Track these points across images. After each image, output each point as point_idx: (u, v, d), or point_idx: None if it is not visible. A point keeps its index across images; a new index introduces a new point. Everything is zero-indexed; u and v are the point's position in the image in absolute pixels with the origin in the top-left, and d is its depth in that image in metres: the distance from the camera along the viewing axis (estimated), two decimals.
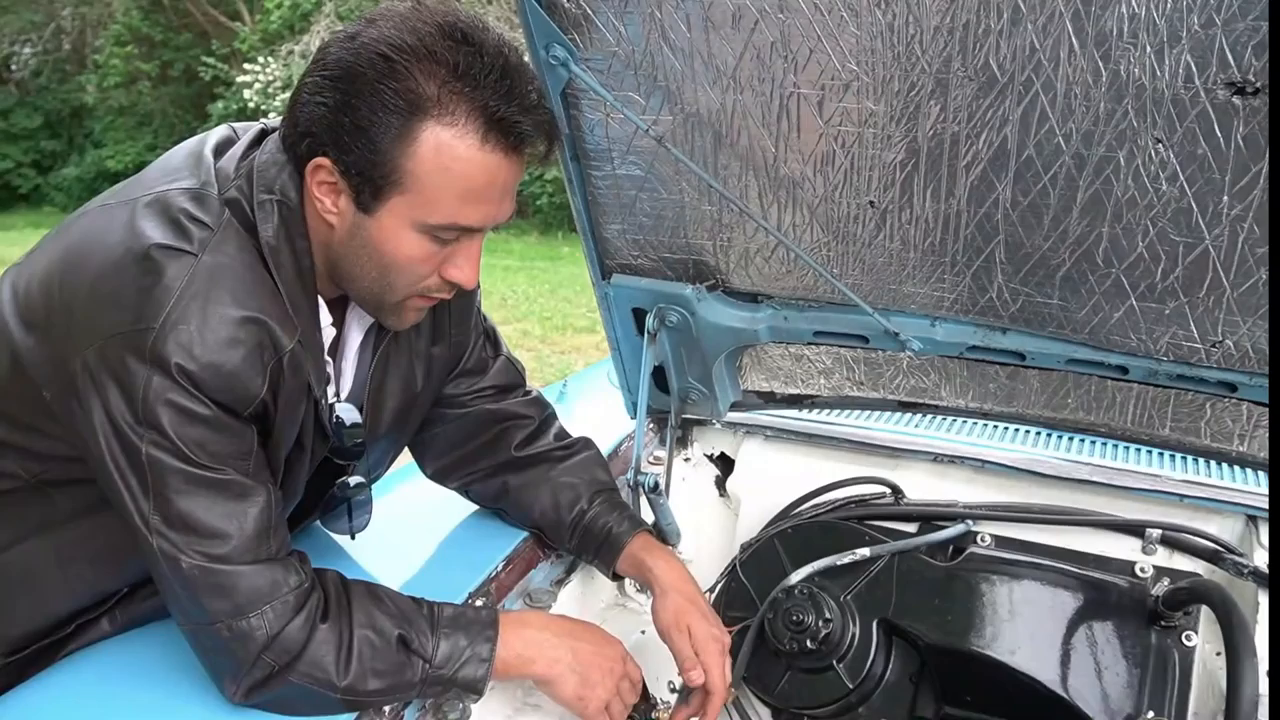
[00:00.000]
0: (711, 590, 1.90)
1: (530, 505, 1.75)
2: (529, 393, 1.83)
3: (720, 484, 2.18)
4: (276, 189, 1.31)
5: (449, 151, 1.23)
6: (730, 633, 1.74)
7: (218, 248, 1.25)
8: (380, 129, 1.22)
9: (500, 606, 1.64)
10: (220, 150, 1.35)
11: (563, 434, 1.84)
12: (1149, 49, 1.14)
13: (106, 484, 1.25)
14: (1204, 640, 1.63)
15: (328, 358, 1.44)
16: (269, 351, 1.26)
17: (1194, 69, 1.14)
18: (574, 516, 1.73)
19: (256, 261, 1.28)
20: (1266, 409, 1.58)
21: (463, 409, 1.75)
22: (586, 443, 1.85)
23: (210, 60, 19.48)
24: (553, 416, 1.85)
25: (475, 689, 1.39)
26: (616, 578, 1.78)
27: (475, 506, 1.86)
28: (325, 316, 1.40)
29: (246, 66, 17.54)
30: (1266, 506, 1.76)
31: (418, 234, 1.29)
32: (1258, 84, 1.12)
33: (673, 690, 1.83)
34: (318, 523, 1.72)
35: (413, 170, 1.24)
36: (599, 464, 1.83)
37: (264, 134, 1.38)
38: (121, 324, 1.19)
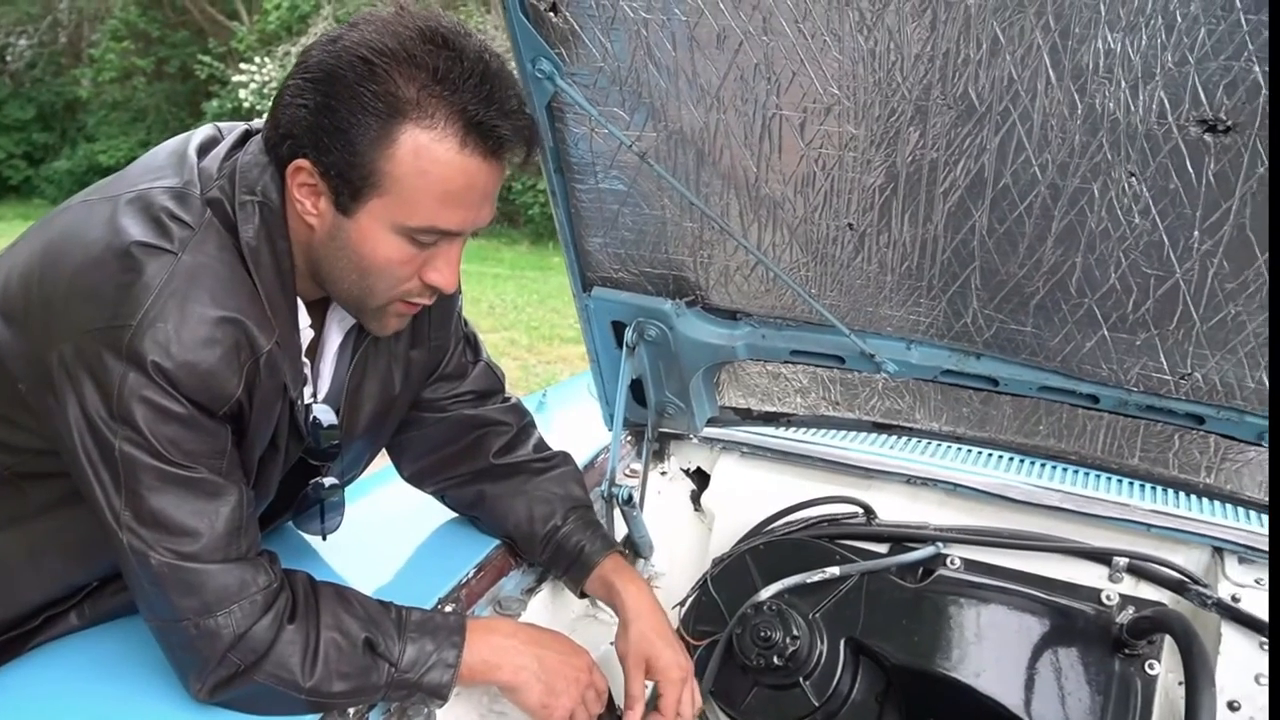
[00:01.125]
0: (682, 604, 1.91)
1: (505, 515, 1.76)
2: (508, 399, 1.84)
3: (695, 498, 2.19)
4: (258, 190, 1.31)
5: (427, 154, 1.23)
6: (698, 647, 1.75)
7: (198, 247, 1.25)
8: (359, 131, 1.23)
9: (470, 613, 1.64)
10: (204, 150, 1.36)
11: (542, 445, 1.84)
12: (1124, 84, 1.16)
13: (79, 478, 1.25)
14: (1166, 669, 1.64)
15: (305, 359, 1.45)
16: (245, 352, 1.27)
17: (1167, 105, 1.16)
18: (547, 531, 1.73)
19: (236, 262, 1.29)
20: (1233, 442, 1.60)
21: (441, 413, 1.75)
22: (565, 457, 1.85)
23: (206, 59, 19.42)
24: (531, 425, 1.85)
25: (440, 694, 1.40)
26: (584, 596, 1.78)
27: (448, 512, 1.86)
28: (304, 318, 1.41)
29: (243, 66, 17.50)
30: (1232, 539, 1.78)
31: (396, 236, 1.29)
32: (1229, 122, 1.14)
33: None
34: (290, 523, 1.72)
35: (391, 172, 1.24)
36: (576, 479, 1.83)
37: (248, 135, 1.39)
38: (99, 320, 1.20)
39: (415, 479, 1.83)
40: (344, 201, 1.28)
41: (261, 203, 1.31)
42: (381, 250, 1.30)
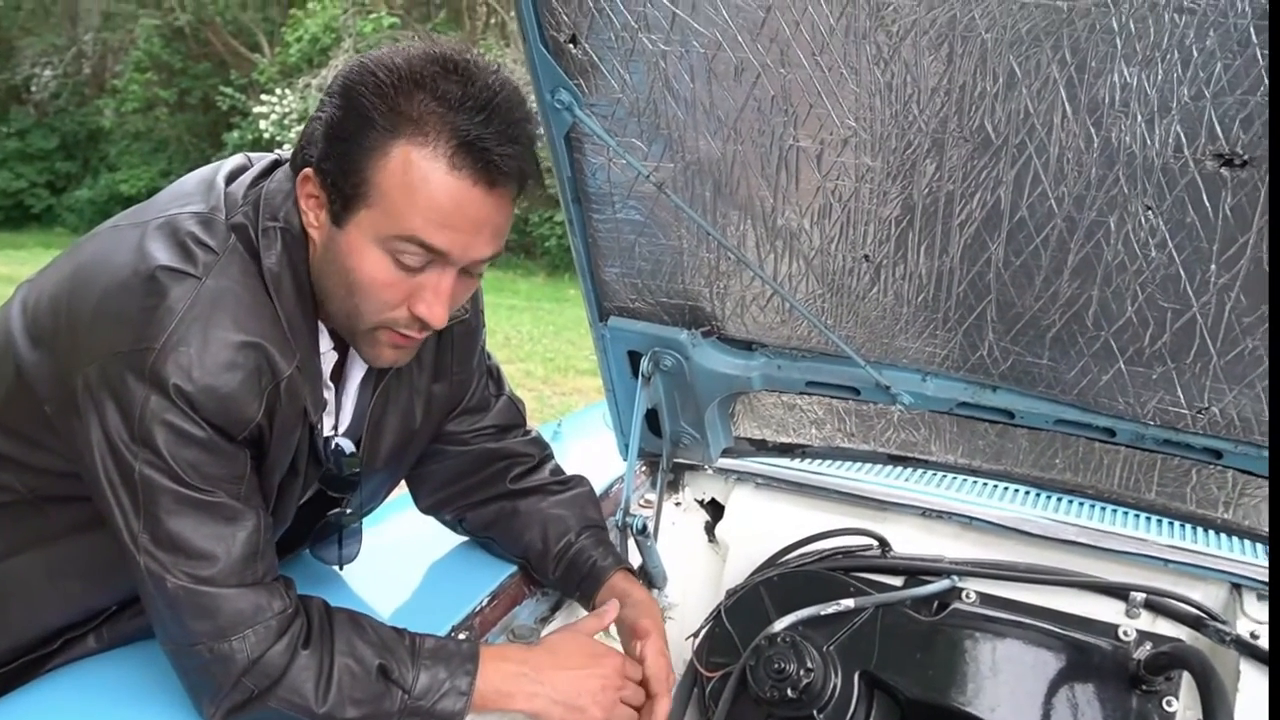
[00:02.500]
0: (695, 635, 1.90)
1: (519, 534, 1.77)
2: (529, 432, 1.85)
3: (709, 529, 2.18)
4: (281, 216, 1.33)
5: (416, 170, 1.23)
6: (711, 679, 1.74)
7: (222, 272, 1.27)
8: (358, 141, 1.24)
9: (484, 641, 1.64)
10: (232, 177, 1.38)
11: (558, 470, 1.86)
12: (1140, 118, 1.17)
13: (99, 500, 1.26)
14: (1184, 706, 1.62)
15: (329, 383, 1.45)
16: (266, 376, 1.28)
17: (1183, 139, 1.17)
18: (560, 548, 1.75)
19: (259, 287, 1.30)
20: (1252, 477, 1.59)
21: (463, 446, 1.76)
22: (581, 480, 1.86)
23: (228, 90, 19.67)
24: (550, 455, 1.87)
25: None
26: None
27: (463, 540, 1.87)
28: (326, 342, 1.42)
29: (264, 97, 17.70)
30: (1250, 575, 1.77)
31: (381, 252, 1.27)
32: (1245, 156, 1.15)
33: None
34: (307, 551, 1.73)
35: (380, 184, 1.24)
36: (591, 501, 1.84)
37: (276, 164, 1.41)
38: (123, 343, 1.21)
39: (433, 509, 1.84)
40: (336, 210, 1.28)
41: (284, 229, 1.33)
42: (367, 266, 1.28)
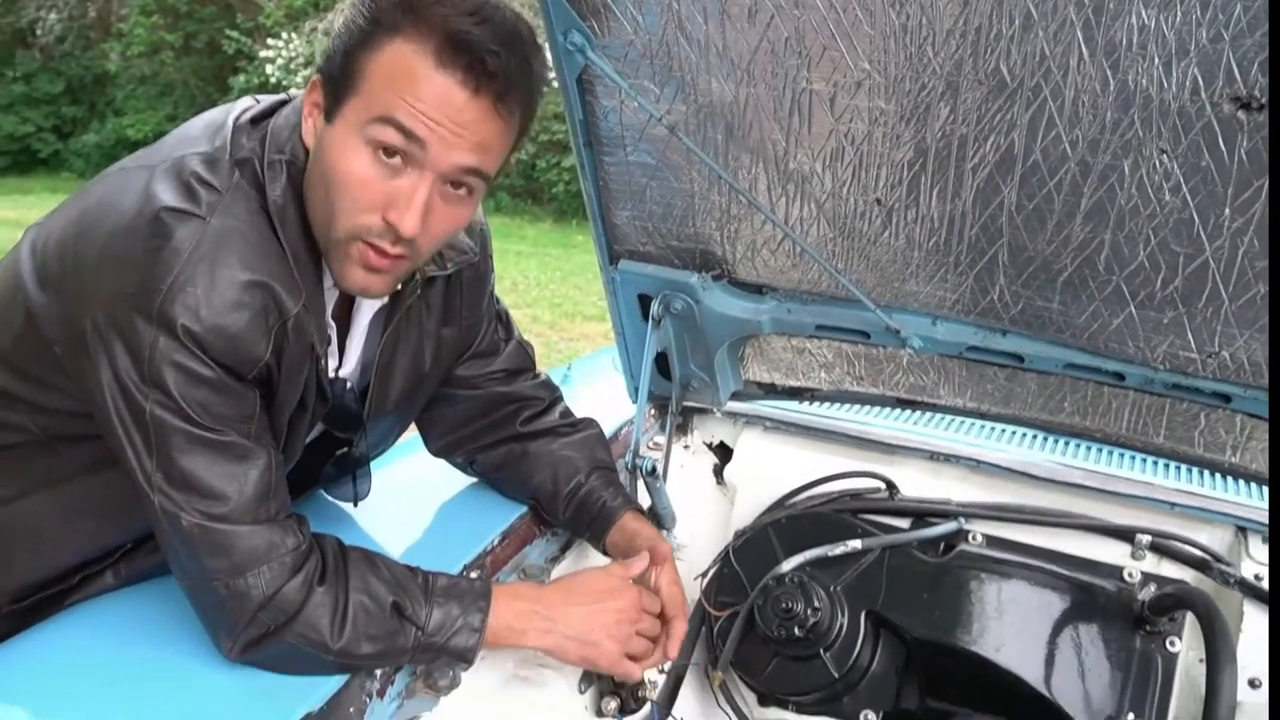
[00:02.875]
0: (704, 575, 1.92)
1: (529, 475, 1.79)
2: (538, 376, 1.87)
3: (718, 472, 2.20)
4: (287, 150, 1.34)
5: (405, 60, 1.23)
6: (720, 619, 1.77)
7: (227, 210, 1.27)
8: (355, 38, 1.25)
9: (495, 579, 1.67)
10: (240, 117, 1.38)
11: (568, 413, 1.88)
12: (1157, 60, 1.16)
13: (112, 441, 1.28)
14: (1188, 646, 1.64)
15: (331, 320, 1.45)
16: (274, 315, 1.29)
17: (1200, 82, 1.16)
18: (570, 489, 1.78)
19: (264, 223, 1.31)
20: (1261, 421, 1.59)
21: (473, 389, 1.78)
22: (590, 422, 1.89)
23: (234, 34, 19.47)
24: (560, 398, 1.89)
25: (466, 658, 1.42)
26: (607, 554, 1.81)
27: (474, 481, 1.89)
28: (329, 277, 1.41)
29: (270, 41, 17.55)
30: (1256, 518, 1.78)
31: (361, 142, 1.26)
32: (1262, 99, 1.14)
33: (661, 671, 1.85)
34: (321, 490, 1.75)
35: (369, 73, 1.24)
36: (601, 443, 1.87)
37: (284, 103, 1.41)
38: (130, 285, 1.22)
39: (444, 451, 1.86)
40: (329, 106, 1.29)
41: (289, 161, 1.33)
42: (346, 158, 1.27)
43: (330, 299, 1.44)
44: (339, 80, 1.27)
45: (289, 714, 1.29)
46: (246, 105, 1.41)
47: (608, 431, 2.04)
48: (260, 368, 1.29)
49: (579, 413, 1.91)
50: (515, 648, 1.49)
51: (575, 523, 1.81)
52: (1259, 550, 1.76)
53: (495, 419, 1.80)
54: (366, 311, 1.52)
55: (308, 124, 1.33)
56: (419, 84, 1.23)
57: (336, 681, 1.35)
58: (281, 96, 1.43)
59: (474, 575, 1.60)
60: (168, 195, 1.25)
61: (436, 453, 1.87)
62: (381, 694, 1.41)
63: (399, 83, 1.23)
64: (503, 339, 1.80)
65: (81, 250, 1.28)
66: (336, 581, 1.35)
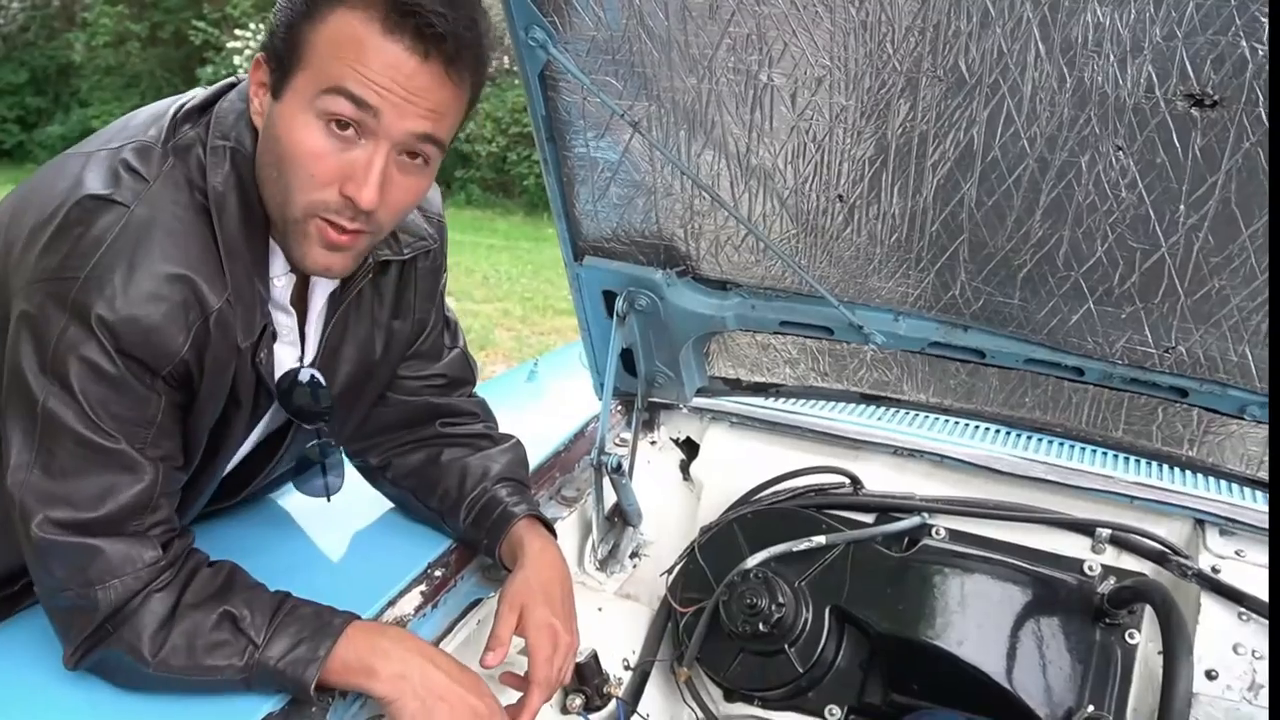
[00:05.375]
0: (670, 571, 1.93)
1: (437, 483, 1.71)
2: (474, 395, 1.81)
3: (684, 468, 2.21)
4: (232, 136, 1.31)
5: (351, 29, 1.20)
6: (685, 614, 1.77)
7: (153, 200, 1.25)
8: (299, 10, 1.22)
9: (454, 580, 1.65)
10: (183, 106, 1.36)
11: (493, 430, 1.81)
12: (1112, 58, 1.17)
13: (2, 425, 1.25)
14: (1146, 639, 1.67)
15: (290, 308, 1.42)
16: (194, 310, 1.26)
17: (1155, 79, 1.17)
18: (475, 495, 1.68)
19: (194, 214, 1.28)
20: (1216, 415, 1.61)
21: (408, 396, 1.71)
22: (515, 441, 1.80)
23: (201, 24, 19.26)
24: (491, 419, 1.82)
25: (302, 687, 1.29)
26: (504, 566, 1.65)
27: None
28: (282, 265, 1.38)
29: (237, 32, 17.38)
30: (1213, 511, 1.80)
31: (311, 115, 1.23)
32: (1215, 97, 1.15)
33: (627, 668, 1.86)
34: (292, 486, 1.71)
35: (315, 44, 1.22)
36: (519, 461, 1.78)
37: (230, 87, 1.39)
38: (48, 271, 1.21)
39: (361, 451, 1.76)
40: (276, 83, 1.26)
41: (234, 148, 1.31)
42: (297, 133, 1.23)
43: (287, 286, 1.40)
44: (285, 55, 1.24)
45: (251, 714, 1.28)
46: (193, 94, 1.39)
47: (574, 427, 2.04)
48: (177, 363, 1.26)
49: (546, 408, 1.90)
50: (363, 690, 1.34)
51: (474, 530, 1.67)
52: (1216, 543, 1.78)
53: (420, 426, 1.74)
54: (320, 295, 1.48)
55: (255, 104, 1.30)
56: (367, 52, 1.19)
57: None
58: (228, 80, 1.40)
59: (438, 573, 1.58)
60: (94, 182, 1.24)
61: (353, 453, 1.77)
62: (344, 693, 1.39)
63: (347, 52, 1.20)
64: (447, 345, 1.75)
65: (12, 235, 1.27)
66: (179, 594, 1.29)
